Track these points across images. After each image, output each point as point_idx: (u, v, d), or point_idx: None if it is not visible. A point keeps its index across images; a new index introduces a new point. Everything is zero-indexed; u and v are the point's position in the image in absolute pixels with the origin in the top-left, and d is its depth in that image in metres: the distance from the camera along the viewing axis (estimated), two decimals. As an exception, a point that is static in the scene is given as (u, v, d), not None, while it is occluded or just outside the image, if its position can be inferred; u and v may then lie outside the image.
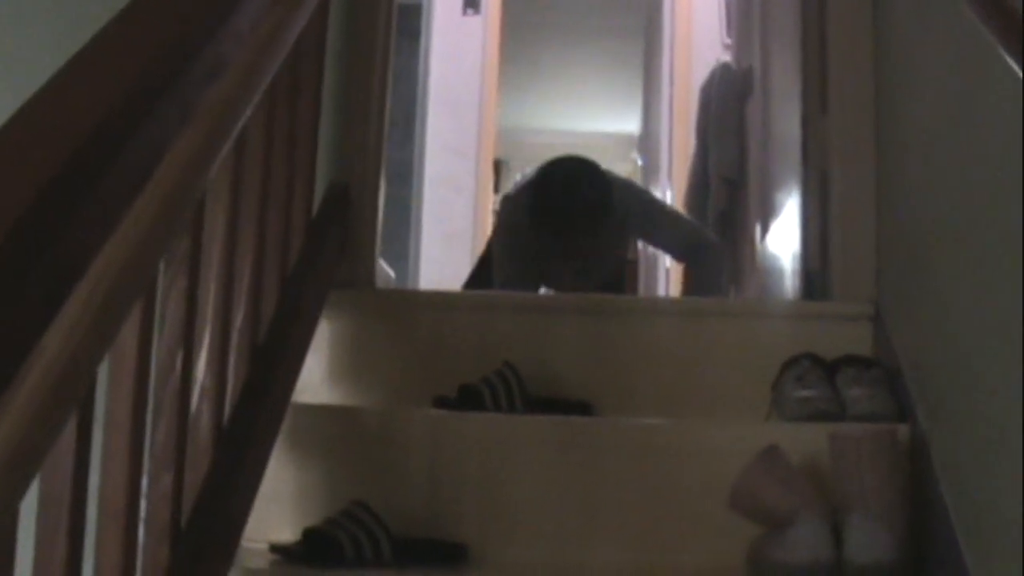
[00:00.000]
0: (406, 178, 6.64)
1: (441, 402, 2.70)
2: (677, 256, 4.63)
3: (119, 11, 1.51)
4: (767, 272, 4.28)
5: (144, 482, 1.61)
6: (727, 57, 5.70)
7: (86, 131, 1.28)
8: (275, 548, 2.36)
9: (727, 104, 5.21)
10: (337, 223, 2.89)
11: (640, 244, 5.69)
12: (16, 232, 1.10)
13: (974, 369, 2.16)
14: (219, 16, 1.69)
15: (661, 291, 6.61)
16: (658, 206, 4.59)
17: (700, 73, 5.94)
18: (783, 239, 3.91)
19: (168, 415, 1.74)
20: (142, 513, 1.62)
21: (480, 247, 7.03)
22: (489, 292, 3.83)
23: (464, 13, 6.81)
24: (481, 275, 4.50)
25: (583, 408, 2.74)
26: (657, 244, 4.82)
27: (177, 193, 1.32)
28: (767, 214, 4.34)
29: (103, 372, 1.44)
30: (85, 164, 1.24)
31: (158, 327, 1.66)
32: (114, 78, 1.40)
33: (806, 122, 3.64)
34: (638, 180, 8.01)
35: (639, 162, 9.77)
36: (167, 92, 1.47)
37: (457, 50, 6.92)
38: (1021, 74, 1.73)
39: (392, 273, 5.08)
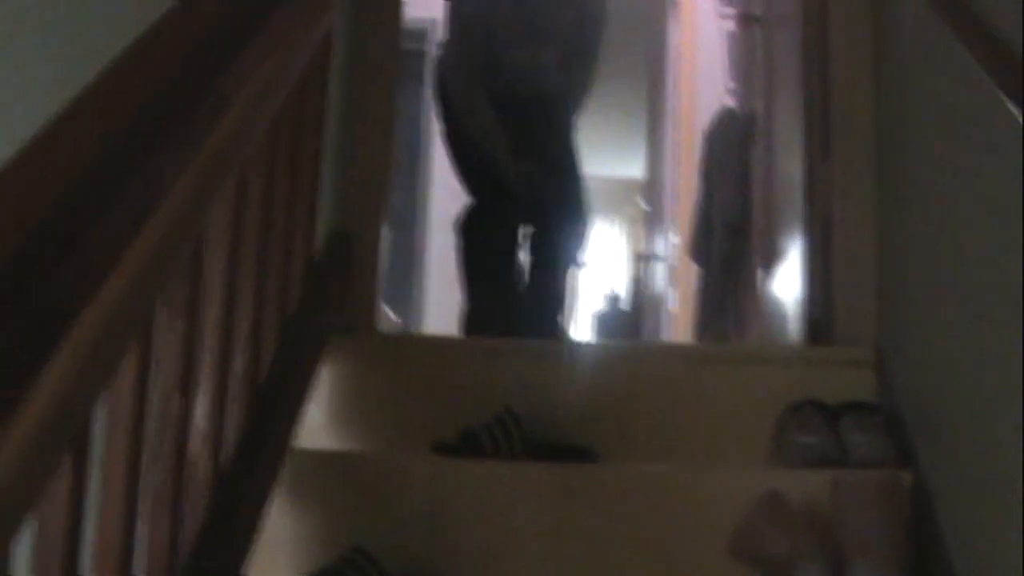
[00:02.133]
0: (409, 221, 6.64)
1: (441, 447, 2.68)
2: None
3: (121, 50, 1.51)
4: (770, 316, 4.27)
5: (140, 526, 1.60)
6: (731, 102, 5.71)
7: (84, 171, 1.28)
8: (274, 594, 2.35)
9: (730, 149, 5.22)
10: (339, 267, 2.89)
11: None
12: (10, 273, 1.09)
13: (977, 415, 2.15)
14: (221, 56, 1.70)
15: (664, 336, 6.58)
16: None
17: (704, 118, 5.94)
18: (786, 283, 3.90)
19: (166, 459, 1.73)
20: (137, 558, 1.61)
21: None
22: (489, 340, 3.77)
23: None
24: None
25: (584, 454, 2.72)
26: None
27: (175, 235, 1.31)
28: (770, 259, 4.33)
29: (101, 414, 1.43)
30: (83, 204, 1.24)
31: (156, 370, 1.66)
32: (115, 117, 1.40)
33: (809, 167, 3.63)
34: (642, 225, 8.00)
35: (644, 207, 9.77)
36: (167, 132, 1.46)
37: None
38: (1022, 120, 1.73)
39: (395, 317, 5.07)
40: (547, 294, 4.37)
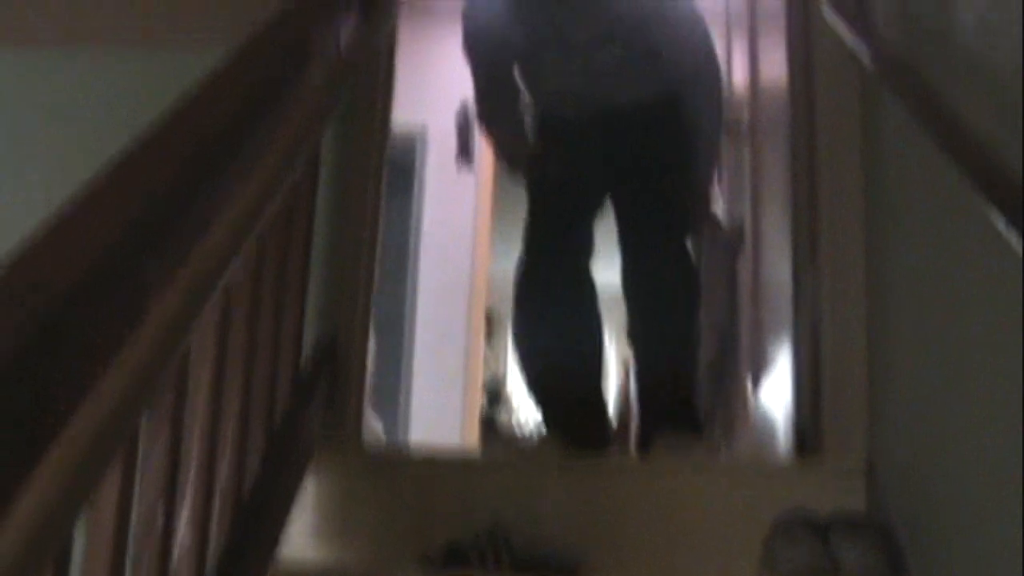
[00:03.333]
0: (397, 325, 6.64)
1: (427, 560, 2.66)
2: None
3: (111, 162, 1.52)
4: (759, 423, 4.25)
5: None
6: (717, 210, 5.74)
7: (71, 283, 1.27)
8: None
9: (717, 256, 5.23)
10: (325, 376, 2.88)
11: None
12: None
13: (971, 529, 2.13)
14: (208, 170, 1.70)
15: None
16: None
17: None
18: (775, 391, 3.89)
19: (147, 573, 1.71)
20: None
21: (473, 396, 7.02)
22: (475, 453, 3.67)
23: (457, 163, 6.87)
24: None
25: (571, 571, 2.69)
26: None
27: (162, 348, 1.30)
28: (759, 366, 4.32)
29: (80, 526, 1.41)
30: (67, 318, 1.23)
31: (140, 481, 1.64)
32: (101, 230, 1.39)
33: (797, 275, 3.64)
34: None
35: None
36: (154, 245, 1.46)
37: (449, 198, 6.96)
38: (1020, 242, 1.73)
39: (381, 423, 5.05)
40: (665, 347, 3.61)
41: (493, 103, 3.88)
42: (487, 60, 3.76)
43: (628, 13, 3.55)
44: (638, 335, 3.59)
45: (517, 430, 10.98)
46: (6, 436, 1.10)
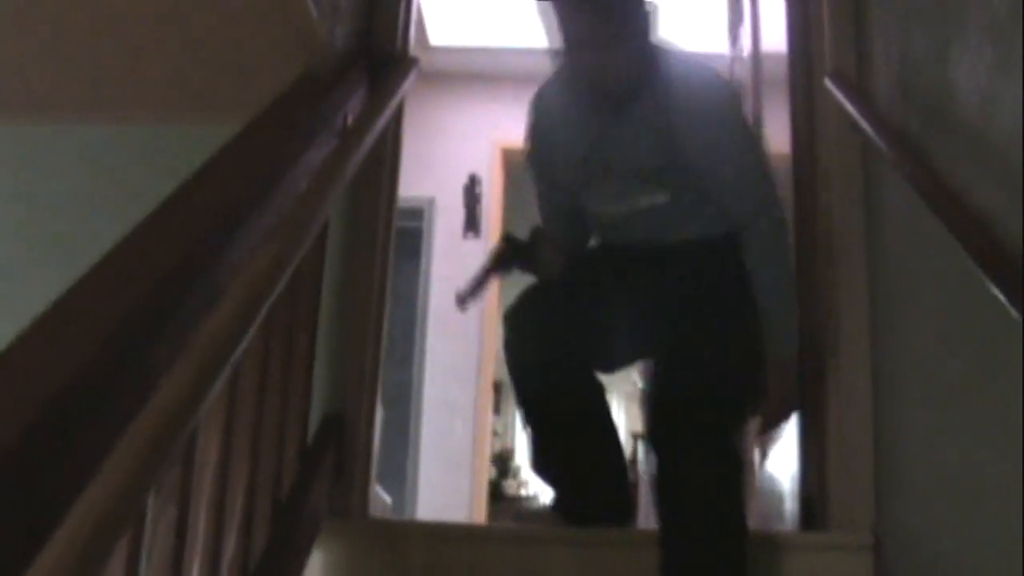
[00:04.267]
0: (404, 400, 6.63)
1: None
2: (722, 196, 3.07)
3: (119, 240, 1.53)
4: (766, 496, 4.23)
5: None
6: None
7: (79, 364, 1.28)
8: None
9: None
10: (332, 451, 2.87)
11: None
12: (3, 467, 1.09)
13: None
14: (216, 247, 1.71)
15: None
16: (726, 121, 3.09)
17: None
18: (782, 464, 3.88)
19: (154, 651, 1.70)
20: None
21: (481, 471, 6.98)
22: (481, 525, 3.50)
23: (464, 236, 6.89)
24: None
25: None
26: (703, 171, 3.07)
27: (168, 429, 1.31)
28: (766, 439, 4.31)
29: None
30: (76, 398, 1.23)
31: (147, 557, 1.63)
32: (108, 310, 1.40)
33: (802, 347, 3.64)
34: (639, 404, 7.97)
35: (640, 385, 9.76)
36: (161, 324, 1.47)
37: (457, 272, 6.97)
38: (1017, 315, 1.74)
39: (388, 499, 5.03)
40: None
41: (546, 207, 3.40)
42: (542, 160, 3.30)
43: (678, 153, 3.01)
44: (669, 537, 2.77)
45: (526, 502, 10.94)
46: (12, 519, 1.10)
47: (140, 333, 1.42)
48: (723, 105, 3.09)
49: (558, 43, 3.01)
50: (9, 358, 1.24)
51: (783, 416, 3.17)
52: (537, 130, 3.28)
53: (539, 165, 3.32)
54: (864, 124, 2.96)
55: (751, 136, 3.16)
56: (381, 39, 3.33)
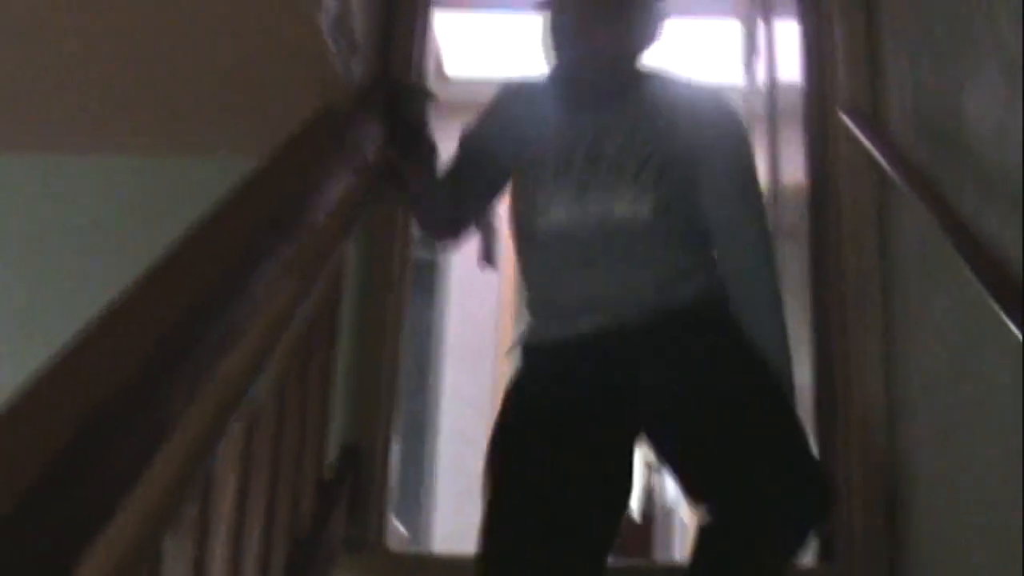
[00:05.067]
0: (420, 432, 6.63)
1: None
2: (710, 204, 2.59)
3: (133, 280, 1.54)
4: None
5: None
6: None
7: (96, 404, 1.28)
8: None
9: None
10: (349, 484, 2.88)
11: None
12: (18, 510, 1.09)
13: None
14: (234, 284, 1.72)
15: (677, 549, 6.50)
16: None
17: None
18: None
19: None
20: None
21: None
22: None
23: (481, 268, 6.90)
24: None
25: None
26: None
27: (186, 469, 1.32)
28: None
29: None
30: (91, 439, 1.24)
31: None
32: (122, 351, 1.41)
33: (819, 378, 3.64)
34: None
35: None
36: (179, 362, 1.47)
37: (473, 304, 6.98)
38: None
39: (404, 530, 5.03)
40: None
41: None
42: (477, 134, 2.81)
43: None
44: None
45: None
46: (30, 563, 1.10)
47: (158, 371, 1.43)
48: (746, 132, 2.74)
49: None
50: (24, 398, 1.25)
51: None
52: (502, 116, 2.79)
53: (479, 143, 2.77)
54: (878, 155, 2.97)
55: (753, 157, 2.75)
56: (397, 73, 3.35)
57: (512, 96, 2.80)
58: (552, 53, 2.63)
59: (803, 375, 3.80)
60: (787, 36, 4.16)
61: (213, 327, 1.59)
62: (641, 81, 2.67)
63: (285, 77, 2.93)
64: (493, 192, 2.78)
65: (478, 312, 7.01)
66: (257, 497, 2.12)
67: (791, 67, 3.98)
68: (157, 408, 1.37)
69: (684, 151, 2.56)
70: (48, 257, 3.57)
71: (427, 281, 6.75)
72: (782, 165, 4.49)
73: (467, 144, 2.78)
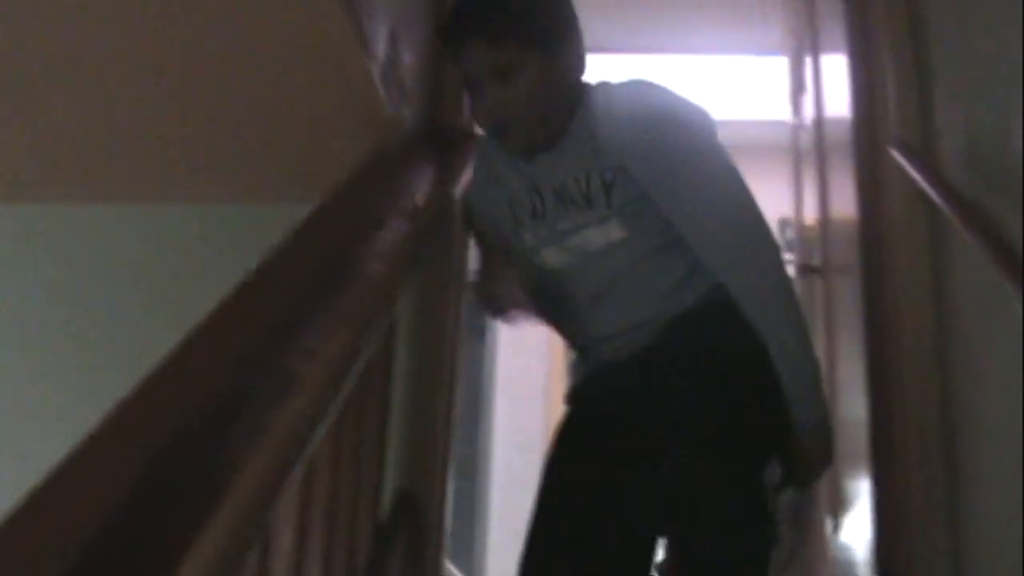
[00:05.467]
0: (471, 473, 6.63)
1: None
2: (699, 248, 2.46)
3: (188, 330, 1.54)
4: (839, 565, 4.20)
5: None
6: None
7: (154, 455, 1.28)
8: None
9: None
10: (405, 529, 2.87)
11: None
12: (80, 564, 1.09)
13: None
14: (289, 332, 1.72)
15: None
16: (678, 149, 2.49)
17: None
18: (854, 531, 3.84)
19: None
20: None
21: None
22: None
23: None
24: None
25: None
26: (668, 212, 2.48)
27: (247, 521, 1.31)
28: (837, 505, 4.28)
29: None
30: (151, 491, 1.24)
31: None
32: (184, 396, 1.41)
33: (874, 412, 3.62)
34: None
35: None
36: (236, 411, 1.48)
37: (524, 345, 6.98)
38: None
39: (459, 574, 5.03)
40: None
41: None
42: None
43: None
44: None
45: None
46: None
47: (216, 421, 1.43)
48: (679, 121, 2.50)
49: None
50: (83, 450, 1.25)
51: (816, 476, 2.65)
52: (475, 183, 2.90)
53: (478, 217, 2.92)
54: (931, 191, 2.95)
55: (724, 163, 2.49)
56: (448, 117, 3.36)
57: (479, 154, 2.87)
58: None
59: (858, 410, 3.77)
60: (834, 71, 4.16)
61: (269, 376, 1.59)
62: (576, 107, 2.58)
63: (336, 124, 2.95)
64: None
65: (528, 353, 7.01)
66: (314, 543, 2.12)
67: (838, 102, 3.98)
68: (216, 458, 1.37)
69: (623, 164, 2.46)
70: (103, 306, 3.60)
71: (478, 322, 6.76)
72: (831, 200, 4.48)
73: (470, 217, 2.94)
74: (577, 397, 2.72)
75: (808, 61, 5.09)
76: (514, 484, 6.79)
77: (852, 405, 4.00)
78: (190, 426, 1.37)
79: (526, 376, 6.89)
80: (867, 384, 3.70)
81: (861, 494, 3.74)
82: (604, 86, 2.61)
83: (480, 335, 6.84)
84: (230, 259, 2.12)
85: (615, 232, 2.48)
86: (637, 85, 2.57)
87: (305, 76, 2.77)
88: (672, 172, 2.46)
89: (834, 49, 4.12)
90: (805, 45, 5.18)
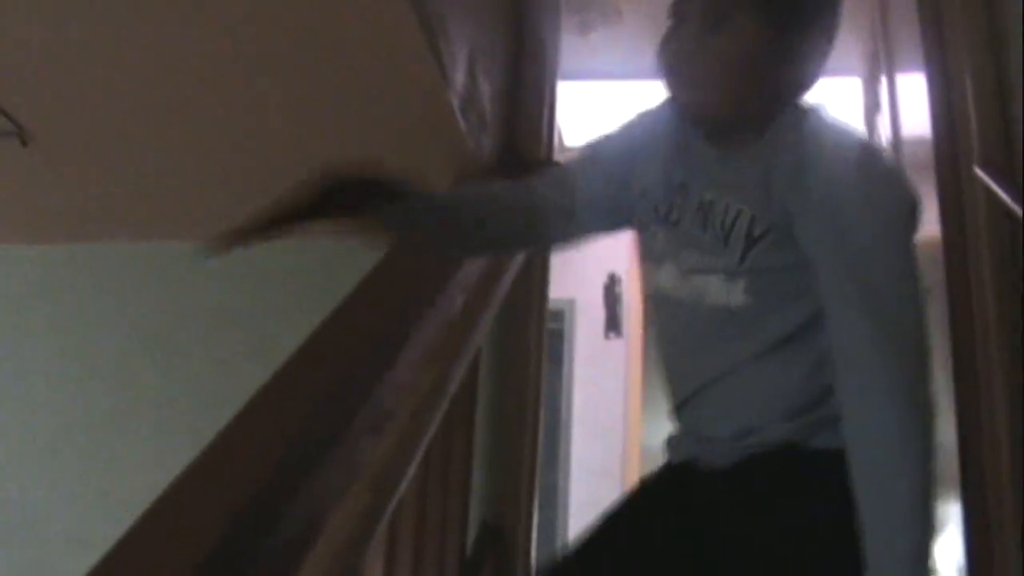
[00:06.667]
0: (551, 504, 6.59)
1: None
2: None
3: (284, 362, 1.54)
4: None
5: None
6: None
7: (251, 492, 1.28)
8: None
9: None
10: (491, 562, 2.86)
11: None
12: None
13: None
14: (380, 368, 1.71)
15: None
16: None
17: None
18: (945, 556, 3.78)
19: None
20: None
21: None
22: None
23: (606, 336, 6.87)
24: None
25: None
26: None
27: (344, 558, 1.31)
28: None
29: None
30: (247, 528, 1.23)
31: None
32: (277, 432, 1.41)
33: (963, 437, 3.56)
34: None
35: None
36: (328, 448, 1.47)
37: (600, 373, 6.94)
38: None
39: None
40: None
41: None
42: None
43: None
44: None
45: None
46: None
47: (308, 457, 1.42)
48: (862, 181, 1.84)
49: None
50: (181, 489, 1.25)
51: None
52: (629, 138, 2.12)
53: (602, 158, 2.19)
54: (1018, 210, 2.91)
55: (904, 250, 1.80)
56: (526, 146, 3.35)
57: (639, 119, 2.14)
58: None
59: (947, 435, 3.72)
60: (910, 91, 4.12)
61: (359, 412, 1.58)
62: (776, 117, 1.94)
63: (416, 154, 2.95)
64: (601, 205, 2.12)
65: (605, 381, 6.97)
66: (403, 573, 2.11)
67: (915, 121, 3.93)
68: (310, 493, 1.36)
69: (788, 222, 1.81)
70: (188, 344, 3.61)
71: (553, 351, 6.73)
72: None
73: (590, 151, 2.24)
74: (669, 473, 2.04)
75: (883, 80, 5.05)
76: (594, 512, 6.74)
77: (941, 431, 3.94)
78: (286, 463, 1.36)
79: (602, 403, 6.85)
80: (955, 406, 3.64)
81: (950, 520, 3.69)
82: (818, 117, 2.02)
83: (556, 363, 6.82)
84: (318, 295, 2.11)
85: (737, 296, 1.86)
86: (854, 143, 1.99)
87: (385, 107, 2.78)
88: (833, 257, 1.78)
89: (910, 68, 4.07)
90: (880, 65, 5.13)
